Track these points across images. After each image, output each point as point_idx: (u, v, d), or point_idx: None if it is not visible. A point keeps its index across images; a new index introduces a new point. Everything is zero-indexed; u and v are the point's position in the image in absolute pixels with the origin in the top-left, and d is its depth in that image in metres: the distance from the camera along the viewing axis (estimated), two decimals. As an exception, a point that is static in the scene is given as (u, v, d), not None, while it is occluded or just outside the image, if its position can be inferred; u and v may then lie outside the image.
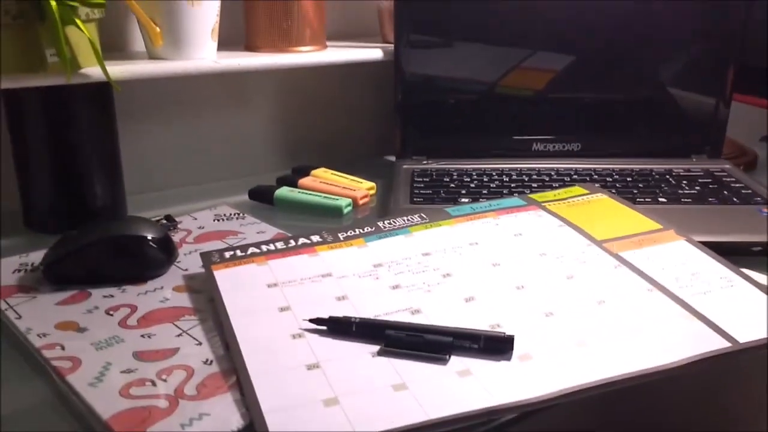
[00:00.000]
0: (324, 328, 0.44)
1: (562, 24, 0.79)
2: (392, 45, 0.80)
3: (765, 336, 0.43)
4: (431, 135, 0.83)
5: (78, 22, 0.58)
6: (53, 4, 0.55)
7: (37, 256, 0.58)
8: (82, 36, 0.59)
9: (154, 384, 0.40)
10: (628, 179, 0.73)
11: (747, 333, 0.43)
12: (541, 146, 0.82)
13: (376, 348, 0.42)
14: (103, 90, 0.65)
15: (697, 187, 0.70)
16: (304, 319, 0.44)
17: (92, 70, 0.62)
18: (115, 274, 0.54)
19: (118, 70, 0.64)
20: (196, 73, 0.68)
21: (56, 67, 0.59)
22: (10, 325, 0.48)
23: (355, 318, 0.44)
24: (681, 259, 0.52)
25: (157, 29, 0.67)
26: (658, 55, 0.80)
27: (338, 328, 0.43)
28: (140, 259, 0.55)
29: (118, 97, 0.67)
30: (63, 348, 0.44)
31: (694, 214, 0.64)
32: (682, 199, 0.67)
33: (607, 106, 0.82)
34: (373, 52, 0.80)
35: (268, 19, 0.75)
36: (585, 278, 0.50)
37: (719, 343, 0.42)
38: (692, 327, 0.44)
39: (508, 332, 0.42)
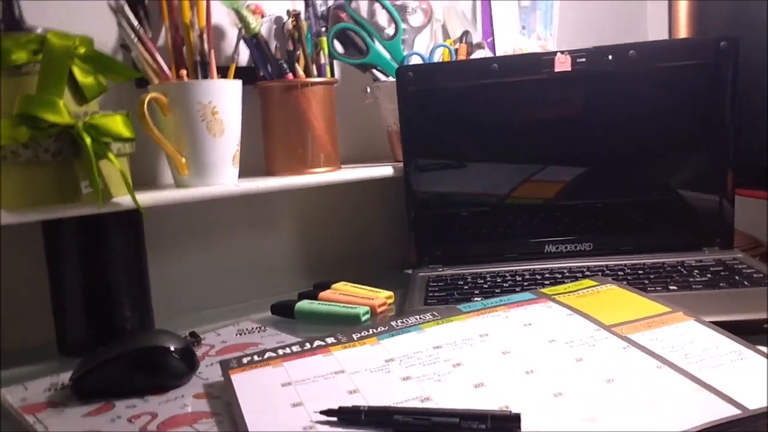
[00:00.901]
0: (334, 419, 0.45)
1: (566, 137, 0.84)
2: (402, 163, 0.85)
3: (777, 403, 0.42)
4: (445, 245, 0.86)
5: (110, 155, 0.64)
6: (88, 141, 0.61)
7: (67, 376, 0.60)
8: (113, 168, 0.65)
9: (168, 479, 0.41)
10: (640, 272, 0.74)
11: (758, 400, 0.43)
12: (553, 248, 0.84)
13: (385, 434, 0.42)
14: (134, 217, 0.70)
15: (708, 275, 0.71)
16: (315, 412, 0.45)
17: (123, 199, 0.67)
18: (139, 386, 0.56)
19: (146, 197, 0.69)
20: (218, 197, 0.73)
21: (90, 198, 0.64)
22: (37, 437, 0.50)
23: (364, 407, 0.44)
24: (690, 338, 0.53)
25: (183, 160, 0.73)
26: (660, 159, 0.84)
27: (348, 417, 0.44)
28: (163, 370, 0.57)
29: (147, 223, 0.73)
30: (84, 452, 0.46)
31: (704, 298, 0.64)
32: (693, 286, 0.67)
33: (616, 209, 0.84)
34: (383, 170, 0.85)
35: (284, 146, 0.82)
36: (594, 360, 0.50)
37: (729, 411, 0.42)
38: (701, 397, 0.44)
39: (517, 412, 0.43)
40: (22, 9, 0.65)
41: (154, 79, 0.73)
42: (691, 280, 0.69)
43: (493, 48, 1.03)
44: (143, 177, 0.80)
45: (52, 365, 0.68)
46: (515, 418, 0.41)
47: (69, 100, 0.64)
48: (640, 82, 0.81)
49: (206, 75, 0.74)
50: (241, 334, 0.71)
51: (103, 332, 0.69)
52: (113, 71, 0.67)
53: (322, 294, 0.79)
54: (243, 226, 0.87)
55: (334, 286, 0.83)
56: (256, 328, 0.72)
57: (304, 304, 0.77)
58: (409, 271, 0.86)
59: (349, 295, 0.79)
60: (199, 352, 0.66)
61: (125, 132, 0.65)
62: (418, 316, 0.62)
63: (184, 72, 0.72)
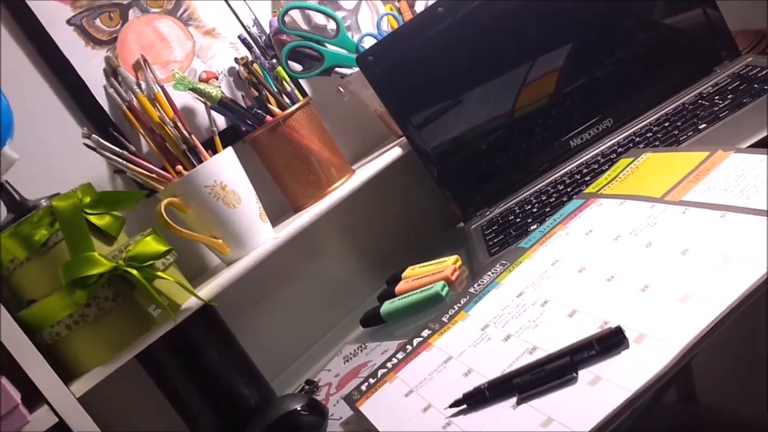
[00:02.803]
0: (464, 406, 0.47)
1: (538, 31, 0.83)
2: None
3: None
4: (481, 186, 0.87)
5: (160, 274, 0.67)
6: (135, 273, 0.65)
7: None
8: (168, 282, 0.69)
9: None
10: (666, 124, 0.74)
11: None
12: (578, 140, 0.84)
13: (514, 399, 0.45)
14: (208, 309, 0.74)
15: (730, 96, 0.70)
16: (445, 408, 0.48)
17: (190, 302, 0.70)
18: (287, 453, 0.60)
19: (207, 290, 0.72)
20: (263, 257, 0.76)
21: (163, 316, 0.68)
22: None
23: (484, 384, 0.47)
24: (738, 172, 0.53)
25: (220, 241, 0.76)
26: (632, 5, 0.82)
27: (475, 400, 0.47)
28: (300, 430, 0.60)
29: (220, 306, 0.76)
30: None
31: (736, 122, 0.64)
32: (720, 115, 0.67)
33: (616, 73, 0.83)
34: (392, 153, 0.86)
35: (295, 180, 0.84)
36: (661, 238, 0.51)
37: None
38: (773, 228, 0.44)
39: (619, 323, 0.44)
40: (18, 191, 0.68)
41: (159, 187, 0.75)
42: (716, 109, 0.69)
43: (430, -13, 1.02)
44: (194, 268, 0.84)
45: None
46: (618, 332, 0.43)
47: (100, 246, 0.67)
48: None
49: (199, 158, 0.77)
50: (347, 360, 0.75)
51: (232, 417, 0.74)
52: (122, 202, 0.70)
53: (398, 288, 0.82)
54: (299, 262, 0.90)
55: (404, 274, 0.85)
56: (358, 349, 0.76)
57: (387, 306, 0.79)
58: (462, 225, 0.88)
59: (421, 277, 0.81)
60: (321, 394, 0.70)
61: (161, 247, 0.68)
62: (489, 272, 0.64)
63: (180, 167, 0.75)
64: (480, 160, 0.86)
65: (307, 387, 0.73)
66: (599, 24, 0.83)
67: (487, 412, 0.46)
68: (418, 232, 0.98)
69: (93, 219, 0.68)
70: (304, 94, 0.89)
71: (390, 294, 0.82)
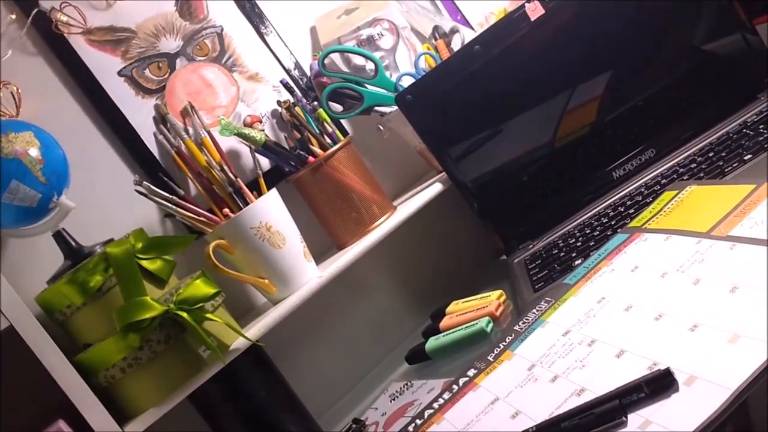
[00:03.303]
0: (512, 450, 0.47)
1: (577, 63, 0.83)
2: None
3: None
4: (522, 219, 0.87)
5: (209, 316, 0.69)
6: (186, 316, 0.66)
7: None
8: (217, 323, 0.70)
9: None
10: (710, 154, 0.73)
11: None
12: (620, 171, 0.84)
13: (563, 444, 0.45)
14: (256, 349, 0.75)
15: (776, 125, 0.69)
16: (493, 451, 0.48)
17: (238, 343, 0.72)
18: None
19: (254, 330, 0.74)
20: (309, 297, 0.77)
21: (212, 358, 0.70)
22: None
23: (532, 428, 0.47)
24: (787, 206, 0.52)
25: (266, 281, 0.78)
26: (671, 32, 0.83)
27: (523, 444, 0.47)
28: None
29: (269, 346, 0.78)
30: None
31: (782, 154, 0.63)
32: (766, 145, 0.66)
33: (658, 100, 0.83)
34: (433, 188, 0.87)
35: (338, 218, 0.85)
36: (709, 275, 0.51)
37: None
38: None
39: (665, 366, 0.44)
40: (75, 238, 0.71)
41: (207, 230, 0.78)
42: (761, 139, 0.68)
43: (466, 23, 1.04)
44: (242, 308, 0.85)
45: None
46: (667, 374, 0.43)
47: (152, 290, 0.69)
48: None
49: (245, 200, 0.79)
50: (394, 399, 0.75)
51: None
52: (172, 246, 0.73)
53: (442, 324, 0.82)
54: (343, 300, 0.91)
55: (448, 309, 0.85)
56: (404, 386, 0.76)
57: (432, 343, 0.79)
58: (505, 257, 0.88)
59: (465, 313, 0.81)
60: (368, 434, 0.70)
61: (210, 290, 0.69)
62: (534, 310, 0.64)
63: (227, 210, 0.77)
64: (521, 191, 0.86)
65: (354, 426, 0.73)
66: (638, 51, 0.83)
67: (536, 456, 0.45)
68: (461, 265, 0.98)
69: (145, 264, 0.70)
70: (345, 133, 0.91)
71: (434, 330, 0.82)
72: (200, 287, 0.69)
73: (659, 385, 0.43)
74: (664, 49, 0.83)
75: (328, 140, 0.86)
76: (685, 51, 0.83)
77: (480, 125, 0.86)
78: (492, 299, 0.81)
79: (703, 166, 0.72)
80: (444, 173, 0.88)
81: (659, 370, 0.44)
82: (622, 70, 0.83)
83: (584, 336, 0.54)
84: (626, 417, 0.42)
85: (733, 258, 0.51)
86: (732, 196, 0.58)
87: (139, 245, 0.70)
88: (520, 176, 0.86)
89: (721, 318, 0.46)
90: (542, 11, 0.81)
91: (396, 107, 0.87)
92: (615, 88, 0.84)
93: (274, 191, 0.80)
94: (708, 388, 0.41)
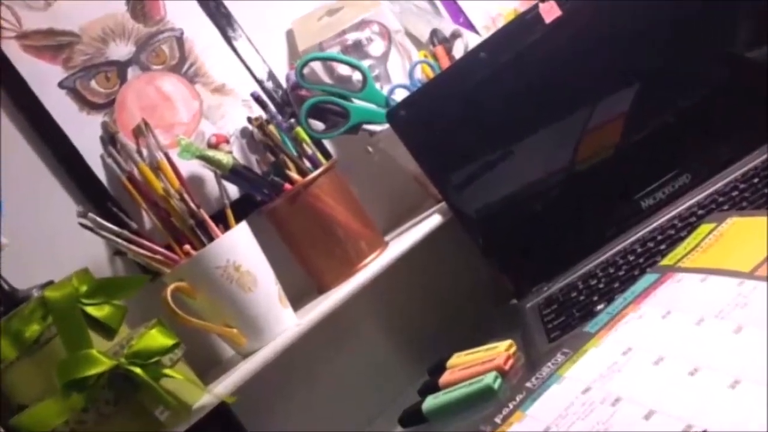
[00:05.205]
0: None
1: (597, 63, 0.85)
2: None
3: None
4: (535, 257, 0.88)
5: (166, 371, 0.70)
6: (139, 371, 0.68)
7: None
8: (177, 380, 0.71)
9: None
10: (755, 180, 0.75)
11: None
12: (650, 200, 0.86)
13: None
14: (222, 409, 0.76)
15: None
16: None
17: (203, 400, 0.73)
18: None
19: (221, 388, 0.75)
20: (284, 348, 0.78)
21: (172, 420, 0.71)
22: None
23: (549, 501, 0.48)
24: (839, 242, 0.54)
25: (233, 330, 0.79)
26: (712, 36, 0.84)
27: None
28: None
29: (238, 406, 0.79)
30: None
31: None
32: (817, 169, 0.69)
33: (692, 118, 0.85)
34: (431, 221, 0.89)
35: (320, 256, 0.87)
36: (752, 322, 0.52)
37: None
38: None
39: (702, 428, 0.45)
40: (8, 281, 0.72)
41: (164, 269, 0.79)
42: (812, 162, 0.71)
43: (470, 26, 1.07)
44: (205, 361, 0.86)
45: None
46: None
47: (99, 341, 0.70)
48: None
49: (209, 235, 0.80)
50: (389, 470, 0.76)
51: None
52: (123, 289, 0.74)
53: (442, 380, 0.83)
54: (328, 351, 0.92)
55: (449, 363, 0.86)
56: (398, 455, 0.77)
57: (431, 402, 0.80)
58: (515, 302, 0.89)
59: (469, 367, 0.82)
60: None
61: (167, 341, 0.71)
62: (549, 363, 0.65)
63: (188, 247, 0.79)
64: (534, 224, 0.88)
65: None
66: (670, 60, 0.85)
67: None
68: (463, 312, 0.99)
69: (90, 310, 0.71)
70: (327, 156, 0.93)
71: (433, 387, 0.83)
72: (156, 338, 0.70)
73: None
74: (701, 58, 0.85)
75: (308, 164, 0.88)
76: (724, 60, 0.85)
77: (486, 146, 0.87)
78: (500, 351, 0.82)
79: (746, 194, 0.74)
80: (443, 203, 0.90)
81: (694, 432, 0.45)
82: (651, 82, 0.85)
83: (607, 394, 0.56)
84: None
85: (779, 302, 0.53)
86: (776, 230, 0.61)
87: (84, 288, 0.72)
88: (533, 206, 0.88)
89: (762, 372, 0.47)
90: (559, 12, 0.83)
91: (387, 125, 0.90)
92: (643, 103, 0.85)
93: (243, 224, 0.81)
94: (749, 454, 0.42)
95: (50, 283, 0.73)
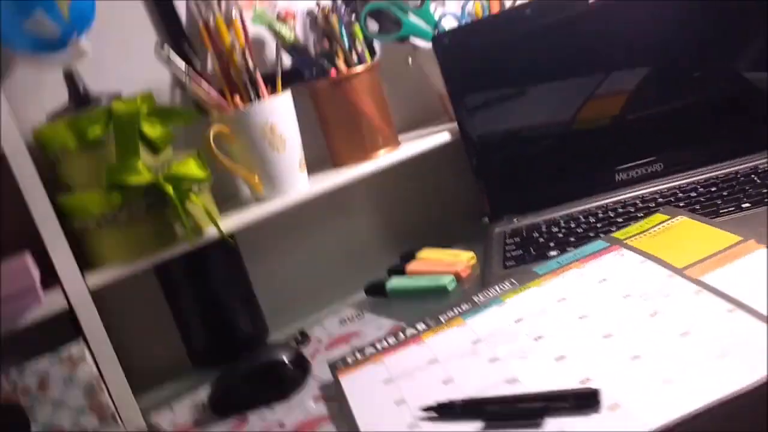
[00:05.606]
0: (435, 414, 0.49)
1: (619, 41, 0.81)
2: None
3: None
4: (516, 191, 0.87)
5: (192, 197, 0.69)
6: (170, 191, 0.67)
7: (202, 392, 0.69)
8: (198, 206, 0.71)
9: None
10: (713, 189, 0.73)
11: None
12: (624, 175, 0.84)
13: (481, 424, 0.47)
14: (228, 238, 0.76)
15: (785, 181, 0.69)
16: (416, 408, 0.50)
17: (213, 230, 0.73)
18: (264, 398, 0.63)
19: (231, 222, 0.75)
20: (293, 205, 0.78)
21: (187, 236, 0.71)
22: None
23: (459, 401, 0.49)
24: (762, 270, 0.53)
25: (256, 178, 0.78)
26: (724, 50, 0.80)
27: (446, 412, 0.49)
28: (282, 381, 0.64)
29: (241, 239, 0.79)
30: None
31: (779, 212, 0.63)
32: (766, 199, 0.66)
33: (683, 114, 0.81)
34: (441, 137, 0.87)
35: (342, 137, 0.85)
36: (668, 312, 0.52)
37: (802, 354, 0.43)
38: (774, 342, 0.45)
39: (597, 384, 0.46)
40: (86, 85, 0.70)
41: (214, 112, 0.77)
42: (764, 191, 0.68)
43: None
44: (227, 192, 0.86)
45: (188, 380, 0.76)
46: (594, 394, 0.44)
47: (146, 156, 0.69)
48: None
49: (257, 93, 0.78)
50: (343, 323, 0.77)
51: (223, 342, 0.78)
52: (177, 118, 0.73)
53: (409, 267, 0.84)
54: (326, 216, 0.92)
55: (419, 254, 0.86)
56: (356, 315, 0.78)
57: (394, 283, 0.81)
58: (487, 222, 0.88)
59: (433, 263, 0.83)
60: (310, 349, 0.73)
61: (199, 173, 0.70)
62: (497, 287, 0.65)
63: (237, 98, 0.76)
64: (523, 162, 0.86)
65: (299, 337, 0.76)
66: (682, 59, 0.81)
67: (453, 427, 0.48)
68: (444, 216, 0.98)
69: (146, 128, 0.70)
70: (373, 55, 0.88)
71: (400, 270, 0.84)
72: (191, 167, 0.70)
73: (584, 402, 0.44)
74: (708, 65, 0.81)
75: (355, 59, 0.84)
76: (727, 73, 0.80)
77: (504, 88, 0.85)
78: (461, 259, 0.82)
79: (702, 199, 0.72)
80: (455, 124, 0.87)
81: (589, 388, 0.45)
82: (660, 72, 0.81)
83: (534, 329, 0.56)
84: (543, 420, 0.44)
85: (696, 303, 0.52)
86: (717, 241, 0.59)
87: (145, 108, 0.70)
88: (527, 147, 0.86)
89: (664, 357, 0.47)
90: (604, -3, 0.78)
91: (431, 45, 0.85)
92: (647, 87, 0.82)
93: (288, 94, 0.79)
94: (627, 420, 0.42)
95: (118, 96, 0.72)
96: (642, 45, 0.81)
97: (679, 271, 0.57)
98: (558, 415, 0.45)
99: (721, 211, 0.67)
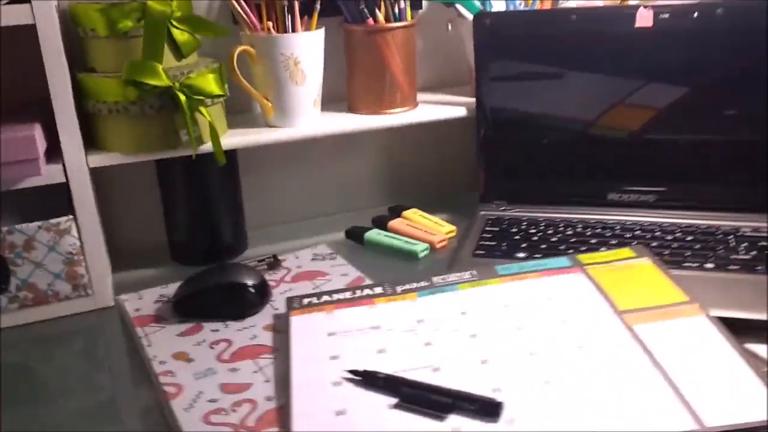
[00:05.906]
0: (359, 378, 0.55)
1: (660, 62, 0.81)
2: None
3: (735, 422, 0.47)
4: (512, 179, 0.89)
5: (202, 109, 0.72)
6: (183, 99, 0.70)
7: (173, 288, 0.74)
8: (206, 119, 0.74)
9: (227, 413, 0.53)
10: (689, 238, 0.75)
11: (719, 417, 0.48)
12: (616, 196, 0.86)
13: (394, 401, 0.52)
14: (228, 153, 0.80)
15: (754, 252, 0.71)
16: (344, 370, 0.55)
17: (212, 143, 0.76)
18: (223, 312, 0.68)
19: (235, 140, 0.78)
20: (298, 139, 0.81)
21: (188, 143, 0.74)
22: (140, 349, 0.64)
23: (382, 374, 0.54)
24: (691, 337, 0.56)
25: (269, 104, 0.80)
26: (763, 96, 0.79)
27: (369, 380, 0.54)
28: (242, 302, 0.69)
29: (242, 153, 0.82)
30: (174, 375, 0.59)
31: (734, 284, 0.66)
32: (729, 267, 0.69)
33: (698, 150, 0.82)
34: (458, 110, 0.88)
35: (364, 86, 0.86)
36: (594, 349, 0.56)
37: (686, 425, 0.47)
38: (671, 406, 0.49)
39: (506, 397, 0.50)
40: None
41: (245, 30, 0.79)
42: (731, 257, 0.70)
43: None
44: (238, 107, 0.88)
45: (164, 272, 0.82)
46: (497, 406, 0.49)
47: (168, 58, 0.72)
48: (726, 44, 0.77)
49: (292, 23, 0.79)
50: (315, 259, 0.82)
51: (207, 246, 0.83)
52: (207, 29, 0.74)
53: (391, 223, 0.87)
54: (329, 153, 0.95)
55: (405, 213, 0.90)
56: (329, 255, 0.82)
57: (373, 235, 0.85)
58: (478, 201, 0.91)
59: (414, 227, 0.86)
60: (276, 276, 0.77)
61: (216, 90, 0.72)
62: (458, 274, 0.69)
63: (269, 24, 0.78)
64: (526, 153, 0.87)
65: (271, 260, 0.80)
66: (719, 92, 0.80)
67: (371, 396, 0.53)
68: (442, 184, 1.01)
69: (175, 32, 0.72)
70: (419, 8, 0.88)
71: (382, 224, 0.88)
72: (209, 82, 0.72)
73: (486, 410, 0.49)
74: (742, 107, 0.80)
75: (396, 13, 0.84)
76: (758, 121, 0.80)
77: (532, 80, 0.85)
78: (442, 231, 0.86)
79: (675, 245, 0.74)
80: (473, 100, 0.89)
81: (494, 399, 0.50)
82: (691, 99, 0.81)
83: (473, 326, 0.60)
84: (446, 415, 0.49)
85: (621, 349, 0.56)
86: (665, 294, 0.62)
87: (179, 13, 0.71)
88: (537, 138, 0.86)
89: (571, 391, 0.52)
90: (650, 24, 0.78)
91: (473, 18, 0.86)
92: (673, 111, 0.82)
93: (321, 32, 0.80)
94: (517, 436, 0.47)
95: (157, -8, 0.73)
96: (680, 68, 0.80)
97: (619, 313, 0.60)
98: (462, 414, 0.50)
99: (684, 264, 0.70)
